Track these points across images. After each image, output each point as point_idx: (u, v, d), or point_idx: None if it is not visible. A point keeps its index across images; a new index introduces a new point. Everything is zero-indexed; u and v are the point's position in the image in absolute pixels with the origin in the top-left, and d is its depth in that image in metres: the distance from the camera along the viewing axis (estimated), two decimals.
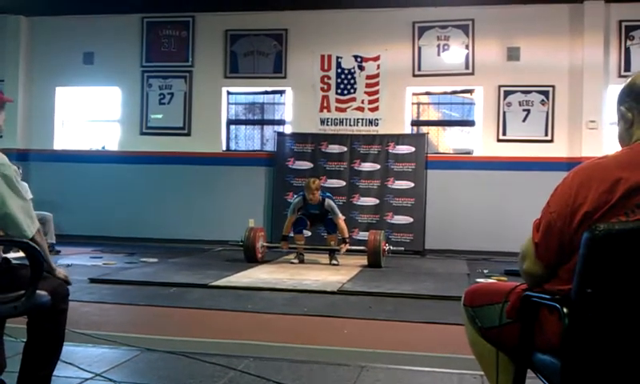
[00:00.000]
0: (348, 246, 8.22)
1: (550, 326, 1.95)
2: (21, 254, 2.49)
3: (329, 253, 8.35)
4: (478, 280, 6.61)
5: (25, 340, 2.62)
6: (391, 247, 8.45)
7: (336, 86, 10.22)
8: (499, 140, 9.81)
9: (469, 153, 10.17)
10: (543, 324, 1.99)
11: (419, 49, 10.02)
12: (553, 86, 9.62)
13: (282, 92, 10.65)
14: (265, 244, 8.54)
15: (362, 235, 9.71)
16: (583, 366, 1.78)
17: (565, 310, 1.79)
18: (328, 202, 8.19)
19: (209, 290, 6.16)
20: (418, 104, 10.48)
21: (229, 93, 10.81)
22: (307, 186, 8.14)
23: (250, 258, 8.15)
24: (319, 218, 8.37)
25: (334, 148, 10.01)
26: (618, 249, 1.73)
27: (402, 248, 9.01)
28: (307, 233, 8.87)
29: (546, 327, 1.97)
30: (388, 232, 9.66)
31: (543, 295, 1.96)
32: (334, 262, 8.18)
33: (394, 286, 6.44)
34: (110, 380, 3.26)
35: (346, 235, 8.22)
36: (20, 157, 10.43)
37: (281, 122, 10.72)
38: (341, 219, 8.22)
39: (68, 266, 7.31)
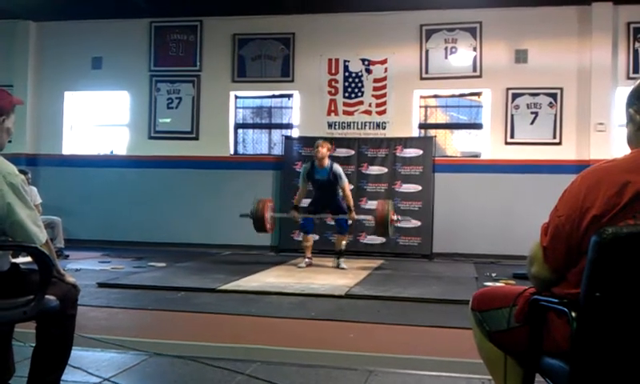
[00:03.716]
0: (354, 215, 8.15)
1: (558, 330, 1.94)
2: (28, 259, 2.50)
3: (336, 255, 8.28)
4: (486, 283, 6.60)
5: (33, 345, 2.63)
6: (399, 217, 8.37)
7: (343, 89, 10.23)
8: (507, 143, 9.78)
9: (477, 156, 10.14)
10: (552, 328, 1.98)
11: (427, 52, 10.01)
12: (561, 89, 9.59)
13: (289, 96, 10.66)
14: (274, 215, 8.51)
15: (370, 239, 9.74)
16: (592, 370, 1.77)
17: (573, 314, 1.79)
18: (335, 167, 8.14)
19: (216, 294, 6.16)
20: (426, 107, 10.46)
21: (236, 97, 10.83)
22: (315, 146, 8.13)
23: (260, 228, 8.22)
24: (327, 189, 8.15)
25: (342, 151, 10.00)
26: (626, 252, 1.72)
27: (409, 219, 9.01)
28: (315, 236, 8.86)
29: (554, 331, 1.97)
30: (395, 235, 9.64)
31: (552, 299, 1.96)
32: (343, 266, 8.09)
33: (402, 290, 6.42)
34: None
35: (351, 203, 8.15)
36: (29, 161, 10.49)
37: (288, 126, 10.73)
38: (347, 185, 8.17)
39: (76, 270, 7.33)
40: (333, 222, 8.54)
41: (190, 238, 10.33)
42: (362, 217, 8.56)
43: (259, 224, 8.20)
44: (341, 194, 8.20)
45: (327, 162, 8.13)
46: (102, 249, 9.68)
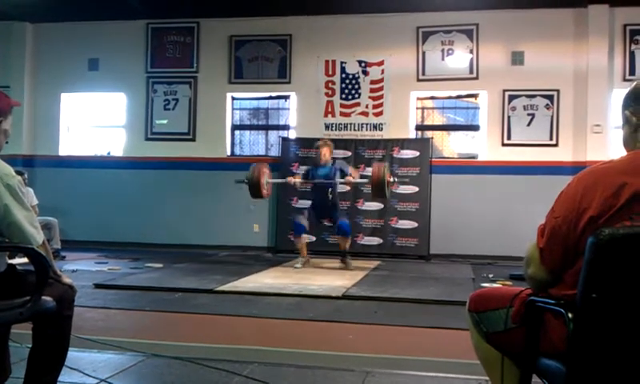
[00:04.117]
0: (351, 178, 8.21)
1: (555, 331, 1.94)
2: (25, 259, 2.50)
3: (341, 255, 8.23)
4: (483, 284, 6.60)
5: (30, 346, 2.63)
6: (397, 178, 8.44)
7: (340, 90, 10.23)
8: (504, 144, 9.79)
9: (473, 157, 10.15)
10: (548, 329, 1.99)
11: (423, 53, 10.02)
12: (557, 90, 9.61)
13: (286, 97, 10.66)
14: (270, 180, 8.50)
15: (367, 240, 9.74)
16: (588, 371, 1.77)
17: (570, 315, 1.79)
18: (338, 161, 8.28)
19: (214, 295, 6.16)
20: (423, 109, 10.47)
21: (233, 98, 10.82)
22: (318, 147, 8.36)
23: (256, 194, 8.22)
24: (324, 187, 8.19)
25: (339, 153, 9.94)
26: (622, 253, 1.73)
27: (407, 180, 9.13)
28: (312, 237, 8.85)
29: (551, 332, 1.97)
30: (392, 236, 9.67)
31: (548, 300, 1.96)
32: (351, 266, 8.02)
33: (399, 291, 6.43)
34: None
35: (355, 176, 8.27)
36: (25, 162, 10.46)
37: (285, 127, 10.73)
38: (351, 168, 8.32)
39: (73, 271, 7.31)
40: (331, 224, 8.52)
41: (187, 239, 10.33)
42: (360, 181, 8.66)
43: (255, 190, 8.17)
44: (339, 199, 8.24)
45: (330, 158, 8.31)
46: (98, 250, 9.67)
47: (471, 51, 9.88)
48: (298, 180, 8.45)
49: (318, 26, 10.31)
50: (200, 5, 10.20)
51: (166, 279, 7.01)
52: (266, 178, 8.33)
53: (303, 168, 8.52)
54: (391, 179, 8.13)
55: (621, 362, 1.76)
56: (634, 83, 2.06)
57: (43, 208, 8.72)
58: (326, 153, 8.22)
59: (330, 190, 8.21)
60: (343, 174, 8.21)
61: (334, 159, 8.43)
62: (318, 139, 10.00)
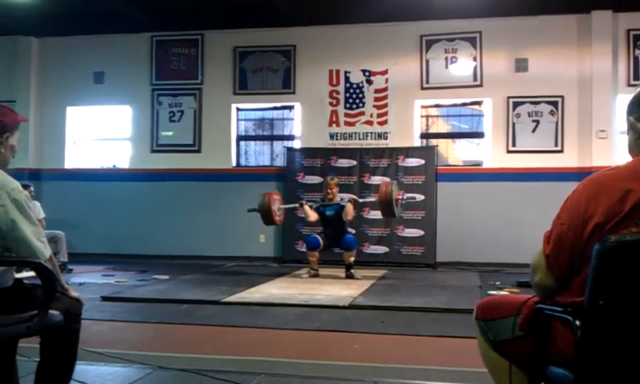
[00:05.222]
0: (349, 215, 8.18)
1: (562, 339, 1.93)
2: (32, 273, 2.51)
3: (346, 268, 8.21)
4: (490, 292, 6.58)
5: (37, 360, 2.63)
6: (406, 196, 8.42)
7: (345, 100, 10.25)
8: (509, 151, 9.78)
9: (479, 164, 10.14)
10: (556, 336, 1.98)
11: (427, 62, 10.03)
12: (562, 97, 9.60)
13: (291, 107, 10.69)
14: (281, 206, 8.50)
15: (373, 249, 9.72)
16: (597, 378, 1.77)
17: (577, 322, 1.78)
18: (343, 202, 8.23)
19: (220, 306, 6.16)
20: (427, 117, 10.47)
21: (238, 109, 10.85)
22: (325, 183, 8.37)
23: (268, 222, 8.24)
24: (334, 224, 8.25)
25: (344, 162, 10.01)
26: (629, 260, 1.72)
27: (415, 196, 9.01)
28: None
29: (558, 340, 1.96)
30: (398, 245, 9.65)
31: (555, 307, 1.95)
32: (357, 276, 8.02)
33: (406, 300, 6.42)
34: None
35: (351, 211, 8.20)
36: (32, 176, 10.51)
37: (290, 138, 10.74)
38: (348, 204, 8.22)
39: (80, 284, 7.32)
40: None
41: (193, 251, 10.33)
42: (366, 200, 8.83)
43: (267, 217, 8.20)
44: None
45: (337, 197, 8.32)
46: (105, 262, 9.67)
47: (475, 59, 9.89)
48: (313, 216, 8.32)
49: (321, 36, 10.35)
50: (204, 17, 10.25)
51: (172, 291, 7.01)
52: (277, 205, 8.33)
53: (313, 202, 8.57)
54: (400, 197, 8.12)
55: (629, 369, 1.75)
56: (638, 89, 2.05)
57: (50, 221, 8.74)
58: (333, 191, 8.27)
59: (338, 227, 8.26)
60: (342, 208, 8.21)
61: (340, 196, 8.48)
62: (323, 149, 10.09)
